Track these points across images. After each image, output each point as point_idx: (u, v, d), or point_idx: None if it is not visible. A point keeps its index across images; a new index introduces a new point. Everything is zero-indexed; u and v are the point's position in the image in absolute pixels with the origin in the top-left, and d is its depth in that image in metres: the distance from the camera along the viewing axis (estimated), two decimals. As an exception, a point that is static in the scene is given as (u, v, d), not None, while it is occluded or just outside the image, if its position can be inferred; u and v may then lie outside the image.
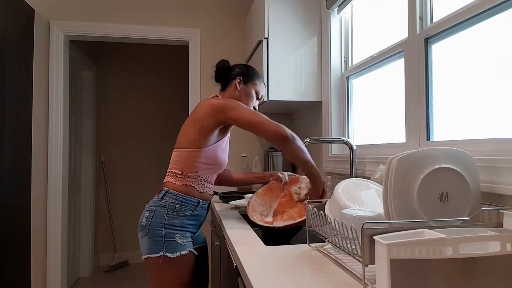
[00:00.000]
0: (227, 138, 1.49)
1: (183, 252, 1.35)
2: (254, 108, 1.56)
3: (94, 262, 3.77)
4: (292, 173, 1.62)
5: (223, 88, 1.55)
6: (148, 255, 1.35)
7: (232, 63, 1.61)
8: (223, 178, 1.65)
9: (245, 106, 1.36)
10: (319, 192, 1.35)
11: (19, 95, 2.36)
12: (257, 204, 1.49)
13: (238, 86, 1.51)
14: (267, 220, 1.43)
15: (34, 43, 2.54)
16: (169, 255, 1.32)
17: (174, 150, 1.45)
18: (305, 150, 1.32)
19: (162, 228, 1.34)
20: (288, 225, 1.30)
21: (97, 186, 3.90)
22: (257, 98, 1.56)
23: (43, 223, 2.59)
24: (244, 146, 2.87)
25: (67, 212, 2.77)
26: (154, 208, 1.38)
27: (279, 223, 1.36)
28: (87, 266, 3.60)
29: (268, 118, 1.31)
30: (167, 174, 1.44)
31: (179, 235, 1.36)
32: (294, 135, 1.30)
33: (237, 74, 1.52)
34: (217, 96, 1.52)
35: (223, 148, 1.46)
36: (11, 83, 2.26)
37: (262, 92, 1.56)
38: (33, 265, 2.53)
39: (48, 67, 2.63)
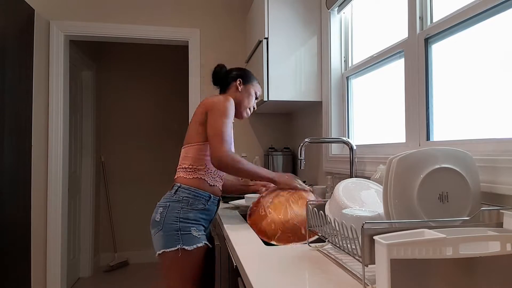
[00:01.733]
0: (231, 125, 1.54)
1: (199, 245, 1.38)
2: (254, 108, 1.65)
3: (94, 262, 3.77)
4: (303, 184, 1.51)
5: (223, 91, 1.63)
6: (164, 250, 1.36)
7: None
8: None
9: (227, 118, 1.41)
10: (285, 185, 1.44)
11: (19, 95, 2.36)
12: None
13: (239, 88, 1.59)
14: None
15: (34, 43, 2.54)
16: (186, 247, 1.35)
17: (182, 147, 1.51)
18: (249, 167, 1.38)
19: (178, 222, 1.37)
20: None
21: (97, 186, 3.90)
22: (256, 98, 1.65)
23: (43, 223, 2.59)
24: (244, 145, 2.87)
25: (67, 212, 2.77)
26: (167, 203, 1.41)
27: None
28: (87, 266, 3.60)
29: (229, 142, 1.38)
30: (178, 170, 1.49)
31: (194, 228, 1.39)
32: (236, 158, 1.36)
33: (236, 76, 1.60)
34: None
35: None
36: (11, 83, 2.26)
37: (259, 92, 1.67)
38: (33, 265, 2.53)
39: (48, 67, 2.63)
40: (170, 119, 4.19)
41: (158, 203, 1.46)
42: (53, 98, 2.62)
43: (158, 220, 1.40)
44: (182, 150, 1.51)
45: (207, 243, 1.43)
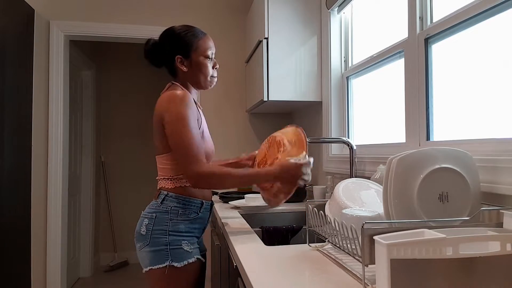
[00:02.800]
0: (203, 125, 1.30)
1: (190, 260, 1.22)
2: (216, 69, 1.34)
3: (94, 262, 3.77)
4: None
5: (172, 73, 1.33)
6: (151, 267, 1.20)
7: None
8: None
9: (186, 125, 1.16)
10: (290, 186, 1.20)
11: (19, 95, 2.36)
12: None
13: (183, 68, 1.28)
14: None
15: (34, 43, 2.54)
16: (175, 264, 1.19)
17: (155, 155, 1.30)
18: (235, 173, 1.18)
19: (166, 235, 1.20)
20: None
21: (97, 186, 3.90)
22: (209, 58, 1.30)
23: (43, 223, 2.59)
24: (244, 145, 2.87)
25: (67, 212, 2.77)
26: (154, 214, 1.23)
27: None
28: (87, 266, 3.60)
29: (198, 154, 1.15)
30: (159, 180, 1.30)
31: (185, 241, 1.23)
32: (211, 174, 1.15)
33: (172, 52, 1.27)
34: (172, 83, 1.31)
35: (205, 138, 1.29)
36: (11, 83, 2.26)
37: (210, 48, 1.30)
38: (33, 265, 2.52)
39: (48, 67, 2.62)
40: (170, 119, 4.18)
41: (142, 212, 1.28)
42: (53, 98, 2.62)
43: (143, 233, 1.22)
44: (157, 159, 1.29)
45: (200, 257, 1.26)
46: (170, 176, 1.26)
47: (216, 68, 1.34)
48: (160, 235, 1.21)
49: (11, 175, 2.25)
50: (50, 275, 2.59)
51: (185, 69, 1.28)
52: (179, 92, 1.21)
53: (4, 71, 2.18)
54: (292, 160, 1.18)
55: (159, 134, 1.23)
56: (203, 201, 1.29)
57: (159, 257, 1.19)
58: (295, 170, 1.17)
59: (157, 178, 1.32)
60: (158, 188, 1.30)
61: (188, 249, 1.22)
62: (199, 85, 1.32)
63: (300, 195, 1.94)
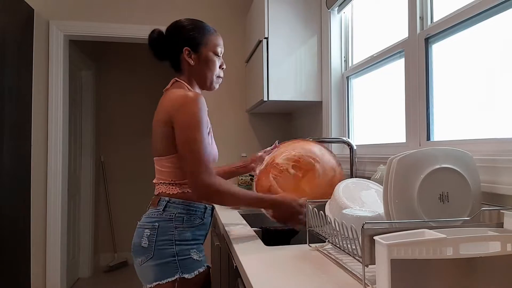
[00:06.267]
0: (210, 129, 1.25)
1: (201, 270, 1.15)
2: (222, 69, 1.28)
3: (94, 263, 3.77)
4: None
5: (176, 67, 1.26)
6: (158, 282, 1.09)
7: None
8: None
9: (200, 130, 1.10)
10: (286, 218, 1.19)
11: (18, 95, 2.35)
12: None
13: (190, 61, 1.21)
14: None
15: (33, 43, 2.54)
16: (186, 276, 1.10)
17: (154, 158, 1.22)
18: (239, 193, 1.14)
19: (173, 245, 1.11)
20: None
21: (97, 186, 3.90)
22: (218, 55, 1.25)
23: (42, 223, 2.59)
24: (244, 145, 2.87)
25: (66, 212, 2.76)
26: (156, 223, 1.13)
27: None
28: (86, 266, 3.60)
29: (209, 163, 1.10)
30: (157, 185, 1.21)
31: (194, 250, 1.15)
32: (222, 191, 1.10)
33: (181, 44, 1.21)
34: (177, 81, 1.25)
35: (212, 143, 1.24)
36: (11, 83, 2.26)
37: (220, 46, 1.25)
38: (33, 265, 2.52)
39: (48, 67, 2.62)
40: (170, 119, 4.18)
41: (138, 223, 1.17)
42: (52, 98, 2.62)
43: (145, 246, 1.11)
44: (156, 161, 1.21)
45: (209, 265, 1.21)
46: (173, 180, 1.17)
47: (222, 69, 1.28)
48: (166, 246, 1.11)
49: (11, 175, 2.25)
50: (50, 275, 2.58)
51: (192, 62, 1.21)
52: (192, 93, 1.13)
53: (4, 71, 2.18)
54: (300, 200, 1.18)
55: (162, 134, 1.15)
56: (206, 205, 1.22)
57: (167, 270, 1.10)
58: (296, 209, 1.17)
59: (154, 181, 1.22)
60: (156, 193, 1.20)
61: (197, 258, 1.15)
62: (204, 84, 1.26)
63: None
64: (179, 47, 1.21)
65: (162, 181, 1.19)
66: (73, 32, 2.67)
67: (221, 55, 1.27)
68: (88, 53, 3.64)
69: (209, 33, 1.23)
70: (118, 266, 3.85)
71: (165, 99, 1.18)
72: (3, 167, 2.17)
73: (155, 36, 1.22)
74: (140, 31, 2.74)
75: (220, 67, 1.28)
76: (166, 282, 1.09)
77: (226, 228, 1.35)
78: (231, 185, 1.15)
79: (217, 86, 1.28)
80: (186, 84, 1.23)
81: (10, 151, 2.24)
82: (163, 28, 1.26)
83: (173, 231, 1.13)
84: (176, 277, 1.09)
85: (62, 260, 2.65)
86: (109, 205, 3.99)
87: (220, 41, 1.26)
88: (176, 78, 1.26)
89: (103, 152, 4.02)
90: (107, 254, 3.99)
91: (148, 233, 1.13)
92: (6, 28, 2.21)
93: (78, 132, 3.50)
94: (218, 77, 1.27)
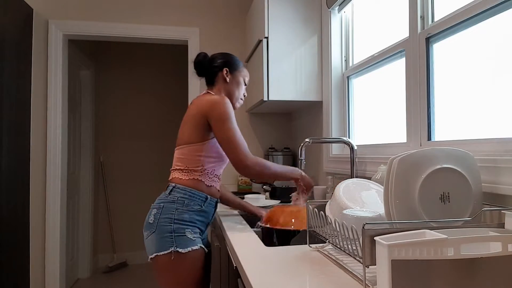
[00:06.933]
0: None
1: (194, 248, 1.31)
2: (244, 96, 1.59)
3: (93, 263, 3.77)
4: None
5: (211, 82, 1.53)
6: (157, 253, 1.30)
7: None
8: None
9: (232, 123, 1.36)
10: (308, 185, 1.48)
11: (17, 94, 2.35)
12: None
13: (227, 78, 1.50)
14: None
15: (32, 43, 2.54)
16: (180, 250, 1.28)
17: (176, 148, 1.44)
18: (270, 166, 1.38)
19: (171, 223, 1.31)
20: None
21: (96, 186, 3.89)
22: (245, 84, 1.57)
23: (41, 223, 2.58)
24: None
25: (65, 213, 2.76)
26: (161, 204, 1.35)
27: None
28: (86, 267, 3.59)
29: (245, 147, 1.35)
30: (172, 171, 1.43)
31: (189, 230, 1.33)
32: (261, 164, 1.36)
33: (222, 65, 1.50)
34: (208, 92, 1.48)
35: None
36: (10, 82, 2.25)
37: (247, 77, 1.58)
38: (32, 266, 2.52)
39: (47, 67, 2.62)
40: (169, 118, 4.18)
41: (152, 204, 1.40)
42: (51, 98, 2.61)
43: (151, 222, 1.33)
44: (176, 151, 1.44)
45: (203, 246, 1.36)
46: (187, 167, 1.38)
47: (245, 95, 1.57)
48: (166, 223, 1.31)
49: (10, 175, 2.24)
50: (49, 276, 2.58)
51: (228, 79, 1.50)
52: (220, 97, 1.39)
53: (3, 70, 2.18)
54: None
55: (195, 123, 1.37)
56: (208, 196, 1.40)
57: (164, 244, 1.29)
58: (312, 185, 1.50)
59: (171, 169, 1.44)
60: (169, 179, 1.43)
61: (191, 237, 1.32)
62: (230, 99, 1.49)
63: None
64: (220, 67, 1.50)
65: (178, 168, 1.40)
66: (72, 31, 2.67)
67: (247, 84, 1.57)
68: (87, 52, 3.64)
69: (242, 66, 1.57)
70: (117, 266, 3.85)
71: (199, 100, 1.41)
72: (2, 167, 2.16)
73: (201, 58, 1.52)
74: (139, 31, 2.74)
75: (244, 91, 1.57)
76: (163, 254, 1.29)
77: (226, 228, 1.35)
78: (265, 161, 1.39)
79: (238, 105, 1.55)
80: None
81: (9, 151, 2.24)
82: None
83: (173, 212, 1.33)
84: (171, 250, 1.29)
85: (61, 261, 2.65)
86: (108, 205, 3.98)
87: (248, 74, 1.58)
88: (208, 90, 1.51)
89: (102, 152, 4.01)
90: (106, 254, 3.98)
91: (155, 212, 1.35)
92: (5, 28, 2.20)
93: (77, 132, 3.50)
94: (241, 98, 1.56)
